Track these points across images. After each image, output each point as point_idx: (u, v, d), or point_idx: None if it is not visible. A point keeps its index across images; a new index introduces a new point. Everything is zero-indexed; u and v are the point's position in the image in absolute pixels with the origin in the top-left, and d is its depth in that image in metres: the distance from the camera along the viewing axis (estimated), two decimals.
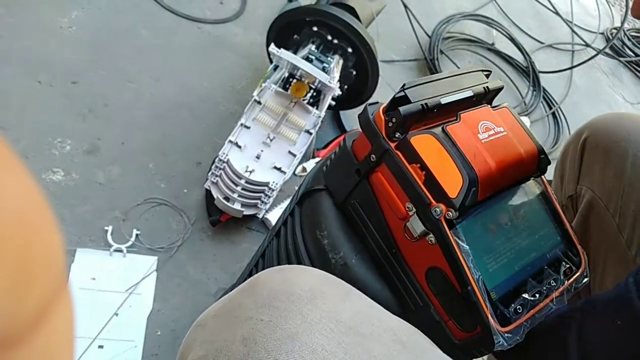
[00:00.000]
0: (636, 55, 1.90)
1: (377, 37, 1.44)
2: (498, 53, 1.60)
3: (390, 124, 0.45)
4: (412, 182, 0.44)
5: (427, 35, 1.49)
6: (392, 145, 0.45)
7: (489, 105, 0.51)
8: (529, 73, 1.56)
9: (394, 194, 0.46)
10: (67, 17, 1.16)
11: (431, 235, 0.44)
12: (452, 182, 0.43)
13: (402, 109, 0.44)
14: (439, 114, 0.48)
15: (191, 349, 0.38)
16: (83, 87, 1.08)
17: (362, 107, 0.46)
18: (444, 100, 0.47)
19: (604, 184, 0.57)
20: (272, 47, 0.90)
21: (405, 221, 0.46)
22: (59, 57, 1.10)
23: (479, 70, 0.52)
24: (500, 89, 0.52)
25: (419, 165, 0.44)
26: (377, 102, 0.47)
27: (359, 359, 0.33)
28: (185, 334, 0.91)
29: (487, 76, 0.53)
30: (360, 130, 0.48)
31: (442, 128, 0.45)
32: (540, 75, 1.57)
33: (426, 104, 0.45)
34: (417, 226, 0.45)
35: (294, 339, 0.33)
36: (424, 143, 0.44)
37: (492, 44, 1.61)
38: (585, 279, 0.51)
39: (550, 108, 1.54)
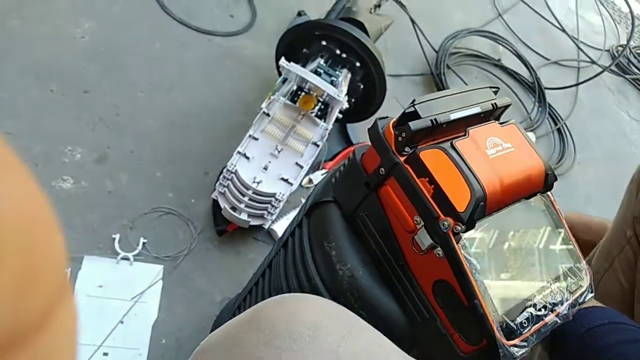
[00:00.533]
0: None
1: (385, 52, 1.45)
2: (504, 69, 1.62)
3: (400, 139, 0.46)
4: (421, 195, 0.45)
5: (434, 50, 1.51)
6: (402, 159, 0.46)
7: (497, 122, 0.52)
8: (535, 89, 1.57)
9: (403, 207, 0.47)
10: (81, 28, 1.18)
11: (439, 248, 0.45)
12: (461, 197, 0.44)
13: (412, 124, 0.45)
14: (447, 130, 0.48)
15: None
16: (94, 96, 1.10)
17: (369, 120, 0.47)
18: (453, 116, 0.47)
19: None
20: (282, 61, 0.91)
21: (413, 234, 0.47)
22: (72, 66, 1.11)
23: (487, 87, 0.53)
24: (507, 106, 0.53)
25: (427, 179, 0.45)
26: (387, 117, 0.48)
27: None
28: (190, 343, 0.92)
29: (495, 93, 0.54)
30: (370, 143, 0.49)
31: (451, 143, 0.45)
32: (546, 91, 1.58)
33: (436, 119, 0.46)
34: (425, 239, 0.45)
35: None
36: (433, 158, 0.45)
37: (499, 60, 1.62)
38: (591, 295, 0.52)
39: (556, 124, 1.55)
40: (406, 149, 0.47)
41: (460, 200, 0.43)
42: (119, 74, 1.15)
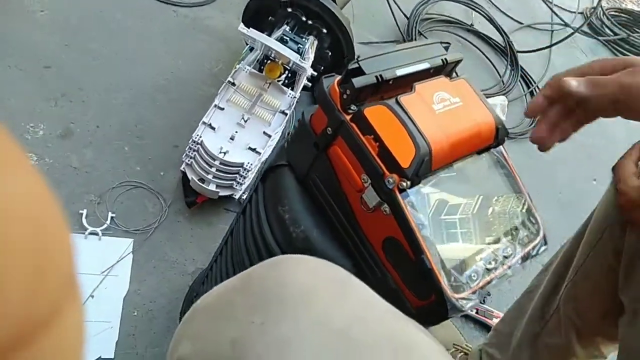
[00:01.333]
0: (615, 34, 1.91)
1: (354, 19, 1.43)
2: (477, 34, 1.60)
3: (344, 96, 0.45)
4: (367, 153, 0.45)
5: (405, 16, 1.49)
6: (347, 117, 0.46)
7: (448, 78, 0.52)
8: (507, 53, 1.57)
9: (351, 167, 0.47)
10: (39, 1, 1.14)
11: (386, 205, 0.45)
12: (405, 153, 0.43)
13: (355, 80, 0.44)
14: (395, 86, 0.48)
15: (180, 343, 0.37)
16: (56, 71, 1.07)
17: None
18: (400, 72, 0.47)
19: None
20: (241, 27, 0.89)
21: (362, 193, 0.47)
22: (30, 41, 1.08)
23: (437, 42, 0.52)
24: (459, 61, 0.53)
25: (372, 136, 0.45)
26: (333, 75, 0.47)
27: None
28: (163, 314, 0.92)
29: (447, 48, 0.53)
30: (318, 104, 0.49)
31: (396, 99, 0.45)
32: (519, 55, 1.58)
33: (381, 75, 0.46)
34: (372, 197, 0.46)
35: (284, 346, 0.32)
36: (378, 114, 0.44)
37: (471, 25, 1.61)
38: (544, 247, 0.52)
39: (529, 87, 1.55)
40: (352, 107, 0.46)
41: (405, 157, 0.43)
42: (81, 47, 1.12)
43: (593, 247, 0.67)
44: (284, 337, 0.32)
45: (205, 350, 0.35)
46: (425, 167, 0.44)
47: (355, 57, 0.45)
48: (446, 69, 0.52)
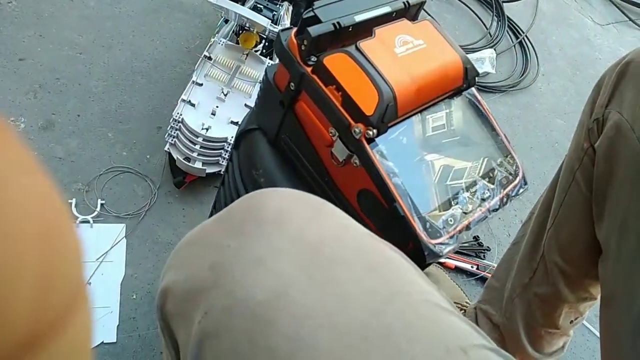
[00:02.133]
0: None
1: None
2: None
3: (303, 47, 0.44)
4: (331, 105, 0.43)
5: None
6: (308, 69, 0.44)
7: (412, 21, 0.50)
8: (492, 4, 1.53)
9: (317, 121, 0.46)
10: None
11: (355, 157, 0.44)
12: (369, 100, 0.42)
13: (311, 29, 0.43)
14: (356, 33, 0.46)
15: (166, 274, 0.39)
16: (31, 63, 1.05)
17: None
18: (359, 17, 0.45)
19: (633, 107, 0.56)
20: None
21: (331, 147, 0.46)
22: (2, 34, 1.06)
23: None
24: (422, 3, 0.51)
25: (335, 86, 0.43)
26: (291, 27, 0.46)
27: (322, 281, 0.33)
28: None
29: None
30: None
31: (356, 45, 0.43)
32: (505, 5, 1.54)
33: (338, 22, 0.44)
34: (341, 150, 0.44)
35: (259, 264, 0.33)
36: (338, 63, 0.43)
37: None
38: (524, 187, 0.51)
39: (517, 37, 1.51)
40: (312, 59, 0.45)
41: (369, 104, 0.42)
42: (55, 37, 1.10)
43: (567, 189, 0.66)
44: (259, 256, 0.33)
45: (187, 276, 0.36)
46: (390, 113, 0.42)
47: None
48: (410, 12, 0.50)
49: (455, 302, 0.96)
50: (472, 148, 0.50)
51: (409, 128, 0.46)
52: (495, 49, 1.43)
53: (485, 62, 1.37)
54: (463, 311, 0.94)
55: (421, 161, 0.46)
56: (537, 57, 1.50)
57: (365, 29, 0.46)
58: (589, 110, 0.65)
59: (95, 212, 0.93)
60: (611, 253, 0.59)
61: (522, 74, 1.43)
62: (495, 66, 1.40)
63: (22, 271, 0.13)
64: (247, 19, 0.90)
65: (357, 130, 0.42)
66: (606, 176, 0.60)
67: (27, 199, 0.14)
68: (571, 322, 0.77)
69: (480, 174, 0.49)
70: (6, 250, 0.13)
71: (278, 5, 1.02)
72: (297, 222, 0.36)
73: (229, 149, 0.94)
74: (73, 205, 0.92)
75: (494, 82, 1.39)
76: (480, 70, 1.33)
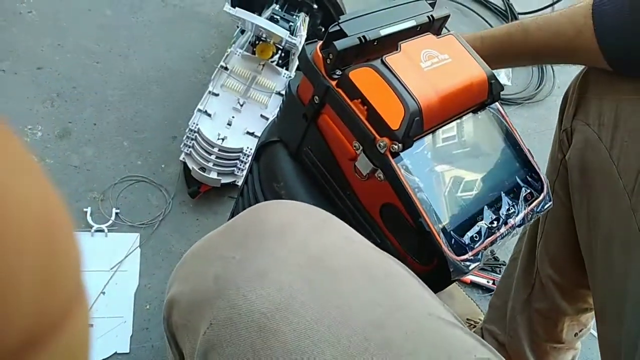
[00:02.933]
0: None
1: None
2: None
3: (328, 61, 0.43)
4: (355, 118, 0.43)
5: None
6: (333, 83, 0.44)
7: (436, 35, 0.50)
8: (508, 16, 1.52)
9: (341, 134, 0.45)
10: (26, 2, 1.13)
11: (379, 171, 0.43)
12: (395, 114, 0.42)
13: (337, 43, 0.42)
14: (381, 47, 0.46)
15: (171, 286, 0.40)
16: (49, 71, 1.06)
17: None
18: (384, 31, 0.45)
19: (599, 117, 0.56)
20: (227, 7, 0.87)
21: (355, 161, 0.45)
22: (21, 43, 1.07)
23: (422, 0, 0.50)
24: (446, 17, 0.51)
25: (360, 100, 0.43)
26: (315, 41, 0.46)
27: (324, 293, 0.33)
28: None
29: (433, 5, 0.51)
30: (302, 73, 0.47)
31: (382, 59, 0.43)
32: (521, 17, 1.53)
33: (364, 36, 0.44)
34: (365, 164, 0.44)
35: (262, 277, 0.33)
36: (364, 77, 0.43)
37: None
38: (549, 204, 0.50)
39: None
40: (337, 72, 0.44)
41: (395, 118, 0.42)
42: (72, 46, 1.11)
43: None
44: (262, 268, 0.34)
45: (192, 287, 0.37)
46: (416, 127, 0.42)
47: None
48: (434, 26, 0.50)
49: (468, 319, 0.95)
50: (495, 163, 0.49)
51: (423, 140, 0.45)
52: None
53: (501, 74, 1.36)
54: (474, 327, 0.92)
55: (432, 172, 0.45)
56: (553, 69, 1.50)
57: (390, 43, 0.46)
58: (560, 122, 0.65)
59: (110, 221, 0.93)
60: (597, 264, 0.58)
61: (538, 87, 1.43)
62: (511, 78, 1.39)
63: (22, 272, 0.13)
64: (265, 29, 0.90)
65: (382, 144, 0.42)
66: (582, 187, 0.60)
67: (26, 200, 0.14)
68: (576, 334, 0.75)
69: (505, 190, 0.48)
70: (6, 252, 0.13)
71: (295, 16, 1.03)
72: (300, 234, 0.36)
73: (244, 160, 0.93)
74: (88, 214, 0.92)
75: (510, 95, 1.38)
76: None
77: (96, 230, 0.91)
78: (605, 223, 0.56)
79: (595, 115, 0.58)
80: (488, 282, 1.06)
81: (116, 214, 0.94)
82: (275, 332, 0.31)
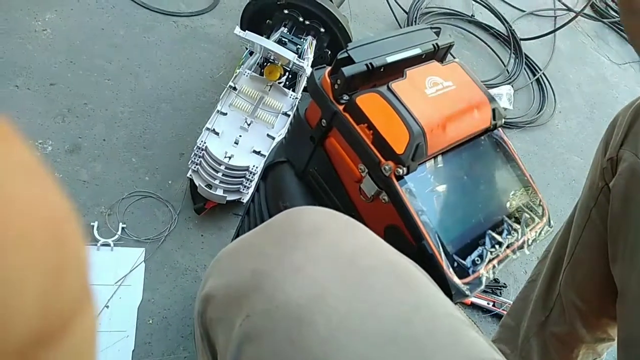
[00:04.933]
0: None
1: (353, 17, 1.44)
2: (478, 24, 1.59)
3: (336, 86, 0.45)
4: (362, 142, 0.45)
5: (405, 11, 1.49)
6: (340, 107, 0.46)
7: (440, 62, 0.51)
8: (510, 41, 1.55)
9: (347, 157, 0.47)
10: (41, 20, 1.16)
11: (384, 193, 0.45)
12: (399, 139, 0.43)
13: (345, 69, 0.44)
14: (387, 74, 0.48)
15: (207, 282, 0.41)
16: (61, 88, 1.09)
17: None
18: (390, 58, 0.47)
19: None
20: (237, 30, 0.90)
21: (360, 183, 0.47)
22: (36, 60, 1.10)
23: (427, 28, 0.52)
24: (450, 45, 0.52)
25: (366, 125, 0.44)
26: (324, 66, 0.47)
27: (355, 289, 0.35)
28: (177, 321, 0.93)
29: (437, 34, 0.53)
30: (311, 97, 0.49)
31: (388, 86, 0.45)
32: (522, 42, 1.56)
33: (371, 63, 0.46)
34: (370, 186, 0.45)
35: (298, 271, 0.35)
36: (370, 102, 0.44)
37: (472, 16, 1.60)
38: (549, 228, 0.51)
39: (534, 75, 1.53)
40: (345, 97, 0.46)
41: (400, 143, 0.43)
42: (85, 63, 1.14)
43: (583, 228, 0.66)
44: (297, 264, 0.36)
45: (228, 282, 0.38)
46: (420, 152, 0.43)
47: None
48: (438, 54, 0.52)
49: None
50: (497, 188, 0.50)
51: (427, 164, 0.47)
52: (512, 86, 1.45)
53: (502, 98, 1.39)
54: None
55: (435, 195, 0.47)
56: (554, 94, 1.52)
57: (396, 69, 0.48)
58: (603, 149, 0.66)
59: (117, 236, 0.94)
60: (631, 295, 0.58)
61: (539, 111, 1.45)
62: (513, 102, 1.41)
63: (29, 273, 0.14)
64: (273, 52, 0.92)
65: (387, 167, 0.43)
66: (621, 216, 0.60)
67: (33, 202, 0.14)
68: None
69: (506, 215, 0.49)
70: (12, 252, 0.13)
71: (302, 40, 1.05)
72: (332, 234, 0.38)
73: (250, 178, 0.95)
74: (95, 228, 0.93)
75: (512, 118, 1.40)
76: None
77: (102, 245, 0.93)
78: None
79: None
80: (488, 303, 1.06)
81: (122, 228, 0.95)
82: (310, 322, 0.33)
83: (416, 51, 0.49)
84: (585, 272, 0.68)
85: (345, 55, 0.45)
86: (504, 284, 1.11)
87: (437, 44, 0.51)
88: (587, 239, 0.67)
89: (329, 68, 0.46)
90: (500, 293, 1.10)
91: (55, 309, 0.15)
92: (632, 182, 0.58)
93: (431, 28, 0.52)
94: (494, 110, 0.50)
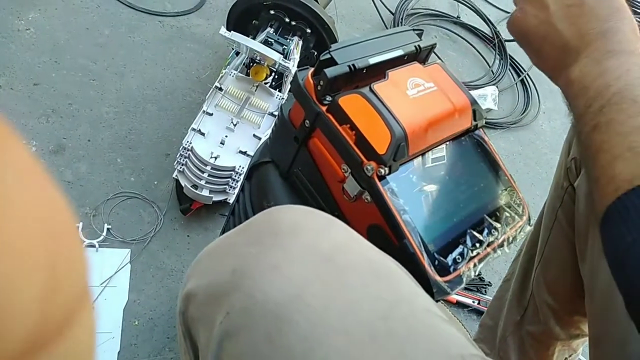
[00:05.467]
0: None
1: (340, 18, 1.44)
2: (464, 25, 1.61)
3: (319, 87, 0.46)
4: (344, 143, 0.45)
5: (391, 12, 1.50)
6: (323, 108, 0.46)
7: (422, 64, 0.52)
8: (495, 43, 1.57)
9: (330, 157, 0.47)
10: (24, 20, 1.15)
11: (366, 193, 0.45)
12: (381, 139, 0.44)
13: (327, 70, 0.45)
14: (370, 75, 0.48)
15: (188, 282, 0.42)
16: (45, 88, 1.08)
17: None
18: (373, 60, 0.47)
19: None
20: (223, 31, 0.90)
21: (343, 183, 0.47)
22: (19, 60, 1.09)
23: (410, 30, 0.53)
24: (432, 47, 0.53)
25: (349, 125, 0.45)
26: (307, 67, 0.48)
27: (333, 286, 0.36)
28: (163, 322, 0.92)
29: (420, 35, 0.53)
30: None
31: (370, 87, 0.45)
32: (507, 44, 1.58)
33: (353, 64, 0.46)
34: (353, 186, 0.46)
35: (277, 270, 0.36)
36: (352, 103, 0.45)
37: (457, 17, 1.61)
38: (529, 227, 0.52)
39: (519, 75, 1.55)
40: (327, 98, 0.46)
41: (381, 143, 0.44)
42: (69, 63, 1.13)
43: (550, 228, 0.68)
44: (276, 262, 0.36)
45: (209, 281, 0.39)
46: (401, 152, 0.44)
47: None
48: (420, 56, 0.52)
49: None
50: (478, 187, 0.51)
51: (411, 162, 0.47)
52: (497, 86, 1.47)
53: (487, 98, 1.40)
54: None
55: (421, 192, 0.47)
56: (538, 94, 1.54)
57: (379, 71, 0.48)
58: (567, 149, 0.66)
59: (102, 237, 0.93)
60: (598, 293, 0.59)
61: (524, 111, 1.46)
62: (497, 103, 1.43)
63: (28, 271, 0.13)
64: (259, 52, 0.93)
65: (369, 167, 0.44)
66: (588, 216, 0.61)
67: (30, 202, 0.14)
68: (565, 359, 0.76)
69: (487, 213, 0.50)
70: (10, 254, 0.13)
71: (288, 40, 1.05)
72: (310, 232, 0.39)
73: (236, 178, 0.95)
74: (80, 229, 0.93)
75: (496, 119, 1.42)
76: (482, 107, 1.36)
77: (87, 246, 0.92)
78: None
79: None
80: (474, 302, 1.07)
81: (108, 229, 0.95)
82: (289, 321, 0.33)
83: (398, 53, 0.49)
84: (555, 271, 0.69)
85: (328, 56, 0.45)
86: (489, 282, 1.13)
87: (419, 45, 0.51)
88: (555, 240, 0.68)
89: (312, 69, 0.47)
90: (485, 291, 1.11)
91: (53, 311, 0.15)
92: None
93: (414, 30, 0.53)
94: (474, 111, 0.50)
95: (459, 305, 1.08)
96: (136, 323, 0.88)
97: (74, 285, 0.16)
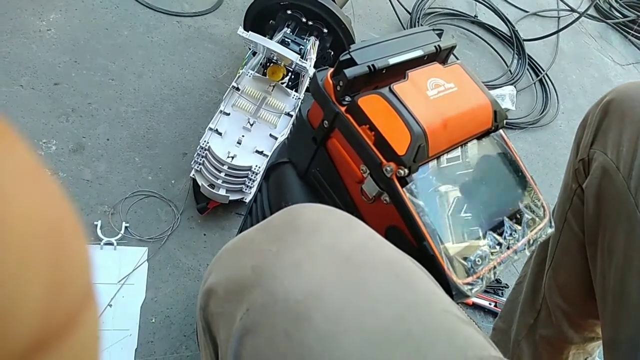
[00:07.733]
0: (624, 16, 1.87)
1: (356, 18, 1.44)
2: (482, 25, 1.59)
3: (338, 88, 0.45)
4: (363, 143, 0.45)
5: (408, 12, 1.49)
6: (342, 109, 0.46)
7: (442, 64, 0.52)
8: (513, 42, 1.55)
9: (349, 158, 0.47)
10: (46, 21, 1.17)
11: (385, 194, 0.45)
12: (401, 140, 0.43)
13: (347, 71, 0.44)
14: (389, 75, 0.48)
15: (209, 277, 0.42)
16: (65, 87, 1.09)
17: None
18: (392, 60, 0.47)
19: (617, 147, 0.57)
20: (240, 31, 0.90)
21: (361, 184, 0.47)
22: (40, 60, 1.11)
23: (430, 30, 0.52)
24: (453, 47, 0.53)
25: (368, 126, 0.45)
26: (326, 68, 0.48)
27: (352, 285, 0.36)
28: (180, 320, 0.93)
29: (440, 35, 0.53)
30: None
31: (390, 87, 0.45)
32: (526, 43, 1.56)
33: (373, 65, 0.46)
34: (372, 187, 0.46)
35: (297, 267, 0.36)
36: (372, 104, 0.45)
37: (475, 16, 1.60)
38: (550, 230, 0.52)
39: (537, 75, 1.53)
40: (347, 99, 0.46)
41: (401, 144, 0.43)
42: (89, 63, 1.15)
43: (560, 230, 0.67)
44: (296, 260, 0.36)
45: (230, 277, 0.39)
46: (421, 153, 0.43)
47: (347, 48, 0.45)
48: (440, 56, 0.52)
49: None
50: (498, 189, 0.50)
51: (431, 163, 0.47)
52: (515, 86, 1.45)
53: (505, 98, 1.39)
54: None
55: (440, 193, 0.47)
56: (557, 95, 1.52)
57: (398, 71, 0.48)
58: (575, 151, 0.66)
59: (120, 235, 0.94)
60: (611, 295, 0.58)
61: (542, 112, 1.44)
62: (516, 103, 1.41)
63: (30, 275, 0.13)
64: (276, 52, 0.93)
65: (388, 168, 0.44)
66: (597, 217, 0.60)
67: (33, 203, 0.14)
68: None
69: (507, 215, 0.49)
70: (13, 254, 0.13)
71: (305, 40, 1.06)
72: (331, 231, 0.39)
73: (252, 177, 0.95)
74: (98, 227, 0.94)
75: (514, 119, 1.40)
76: None
77: (105, 244, 0.93)
78: (620, 253, 0.56)
79: (614, 145, 0.58)
80: (490, 304, 1.06)
81: (126, 227, 0.96)
82: (307, 318, 0.33)
83: (418, 53, 0.49)
84: (566, 274, 0.68)
85: (348, 56, 0.45)
86: (506, 284, 1.11)
87: (439, 45, 0.51)
88: (565, 242, 0.67)
89: (331, 69, 0.47)
90: (502, 294, 1.10)
91: (57, 311, 0.15)
92: (604, 181, 0.58)
93: (433, 30, 0.52)
94: (495, 112, 0.50)
95: (475, 307, 1.07)
96: (153, 321, 0.89)
97: (78, 285, 0.16)
